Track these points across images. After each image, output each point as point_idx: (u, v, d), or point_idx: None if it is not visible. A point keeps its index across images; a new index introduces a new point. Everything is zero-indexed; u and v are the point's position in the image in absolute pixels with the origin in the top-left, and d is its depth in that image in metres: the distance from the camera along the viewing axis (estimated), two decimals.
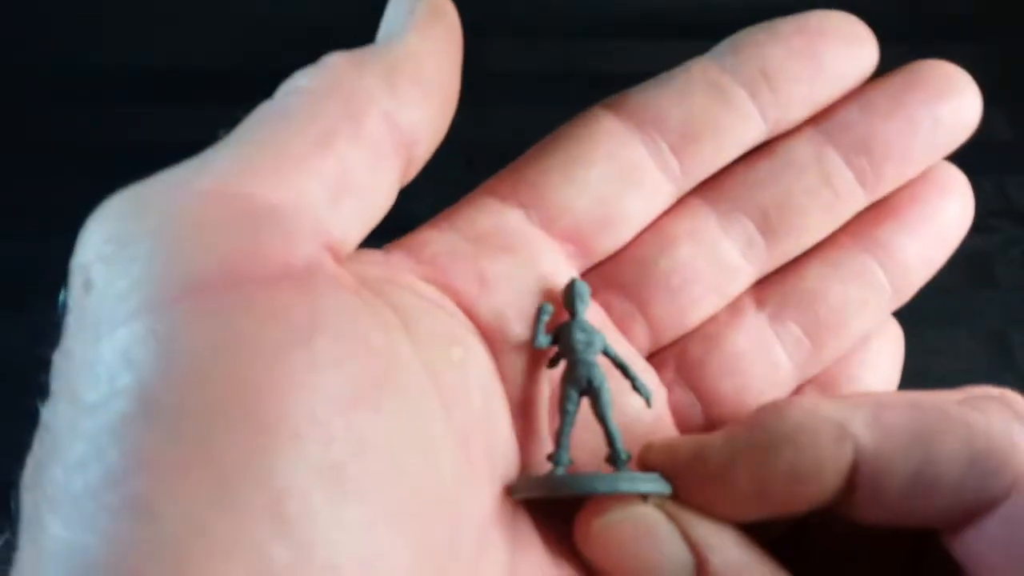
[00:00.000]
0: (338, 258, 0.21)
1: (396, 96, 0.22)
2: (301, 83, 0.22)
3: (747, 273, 0.26)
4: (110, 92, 0.41)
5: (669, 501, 0.22)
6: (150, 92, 0.44)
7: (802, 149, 0.26)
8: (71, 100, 0.41)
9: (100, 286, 0.18)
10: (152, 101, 0.44)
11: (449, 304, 0.23)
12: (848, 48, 0.27)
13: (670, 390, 0.26)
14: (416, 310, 0.22)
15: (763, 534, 0.22)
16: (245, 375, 0.17)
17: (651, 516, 0.22)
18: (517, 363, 0.24)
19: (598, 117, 0.26)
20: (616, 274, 0.26)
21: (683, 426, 0.26)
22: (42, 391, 0.18)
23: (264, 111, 0.21)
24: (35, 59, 0.41)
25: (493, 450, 0.22)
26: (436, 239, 0.24)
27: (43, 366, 0.18)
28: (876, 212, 0.27)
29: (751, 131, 0.26)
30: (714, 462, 0.22)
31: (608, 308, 0.26)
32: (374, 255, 0.24)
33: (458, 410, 0.21)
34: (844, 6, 0.26)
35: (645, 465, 0.23)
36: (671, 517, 0.22)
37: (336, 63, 0.22)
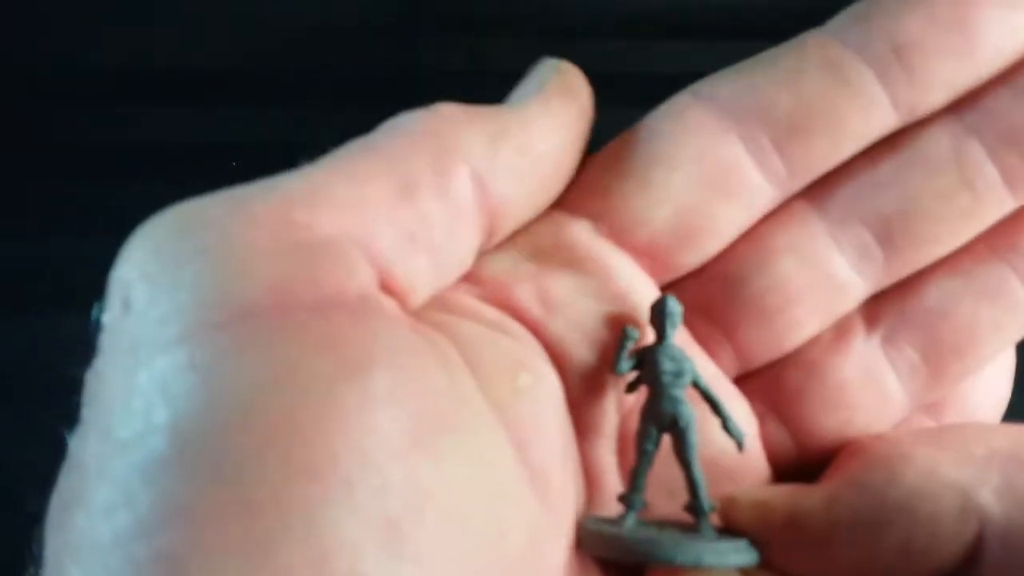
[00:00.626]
0: (401, 304, 0.19)
1: (494, 161, 0.20)
2: (402, 122, 0.20)
3: (860, 289, 0.22)
4: (110, 91, 0.41)
5: (757, 569, 0.19)
6: (150, 92, 0.44)
7: (938, 142, 0.22)
8: (70, 99, 0.41)
9: (141, 307, 0.16)
10: (152, 101, 0.44)
11: (514, 326, 0.21)
12: (1006, 15, 0.21)
13: (761, 421, 0.23)
14: (477, 339, 0.20)
15: None
16: (292, 412, 0.15)
17: None
18: (584, 391, 0.21)
19: (685, 108, 0.22)
20: (700, 293, 0.23)
21: (774, 462, 0.22)
22: (69, 415, 0.17)
23: (354, 144, 0.20)
24: (34, 58, 0.41)
25: (572, 486, 0.20)
26: (493, 258, 0.22)
27: (55, 379, 0.17)
28: (1020, 215, 0.22)
29: (877, 121, 0.22)
30: (812, 530, 0.19)
31: (689, 329, 0.23)
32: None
33: (533, 446, 0.19)
34: None
35: (729, 522, 0.20)
36: None
37: (444, 111, 0.21)
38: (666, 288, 0.23)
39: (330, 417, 0.15)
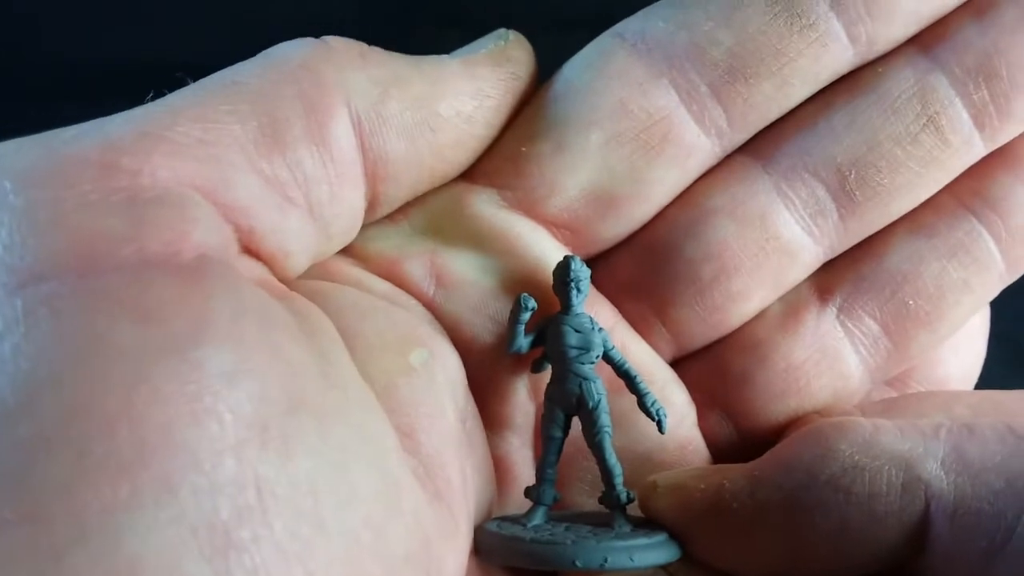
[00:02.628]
0: (271, 269, 0.17)
1: (382, 111, 0.18)
2: (277, 51, 0.18)
3: (812, 254, 0.20)
4: (109, 91, 0.41)
5: (680, 563, 0.18)
6: (150, 91, 0.44)
7: (899, 78, 0.20)
8: (70, 99, 0.40)
9: None
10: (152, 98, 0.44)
11: (408, 299, 0.19)
12: None
13: (701, 412, 0.21)
14: (362, 310, 0.18)
15: None
16: (92, 395, 0.12)
17: None
18: (489, 377, 0.19)
19: (607, 53, 0.20)
20: (625, 266, 0.20)
21: (719, 452, 0.21)
22: None
23: (213, 77, 0.17)
24: (33, 58, 0.41)
25: (475, 481, 0.18)
26: (381, 231, 0.20)
27: None
28: (988, 161, 0.20)
29: (831, 59, 0.19)
30: (736, 516, 0.17)
31: (618, 306, 0.21)
32: None
33: (424, 433, 0.17)
34: None
35: (649, 511, 0.18)
36: None
37: (333, 44, 0.18)
38: (590, 263, 0.20)
39: (142, 401, 0.13)
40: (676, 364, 0.21)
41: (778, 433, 0.20)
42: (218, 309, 0.14)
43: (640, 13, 0.20)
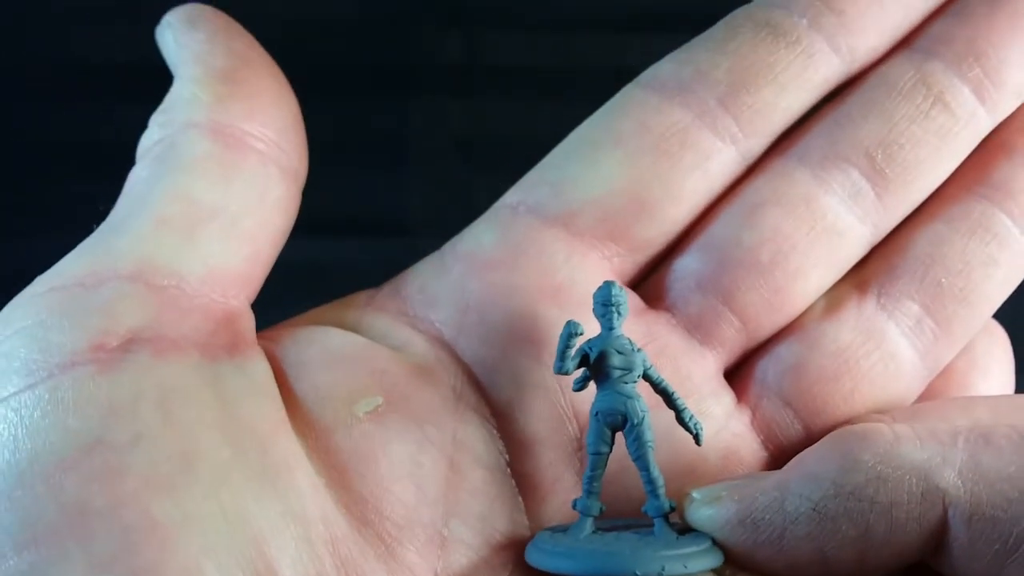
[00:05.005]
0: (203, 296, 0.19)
1: (218, 102, 0.21)
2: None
3: (859, 233, 0.21)
4: (108, 90, 0.41)
5: (726, 564, 0.18)
6: (150, 90, 0.44)
7: (900, 70, 0.22)
8: (68, 98, 0.40)
9: None
10: (151, 99, 0.44)
11: (377, 351, 0.21)
12: None
13: (756, 408, 0.21)
14: (322, 360, 0.20)
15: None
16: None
17: None
18: (517, 393, 0.20)
19: (626, 94, 0.23)
20: (690, 265, 0.22)
21: (784, 446, 0.21)
22: None
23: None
24: (32, 57, 0.41)
25: (460, 504, 0.19)
26: (422, 270, 0.22)
27: None
28: (985, 151, 0.22)
29: (820, 66, 0.22)
30: (769, 526, 0.18)
31: (684, 308, 0.21)
32: (357, 298, 0.22)
33: (355, 472, 0.19)
34: None
35: (689, 521, 0.19)
36: None
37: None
38: (656, 270, 0.22)
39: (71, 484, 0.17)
40: (742, 363, 0.22)
41: (839, 419, 0.21)
42: (121, 395, 0.18)
43: (653, 66, 0.23)
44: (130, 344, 0.18)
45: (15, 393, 0.17)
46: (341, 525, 0.18)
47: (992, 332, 0.23)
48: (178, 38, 0.22)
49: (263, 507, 0.18)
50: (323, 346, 0.20)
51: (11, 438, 0.17)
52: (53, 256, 0.20)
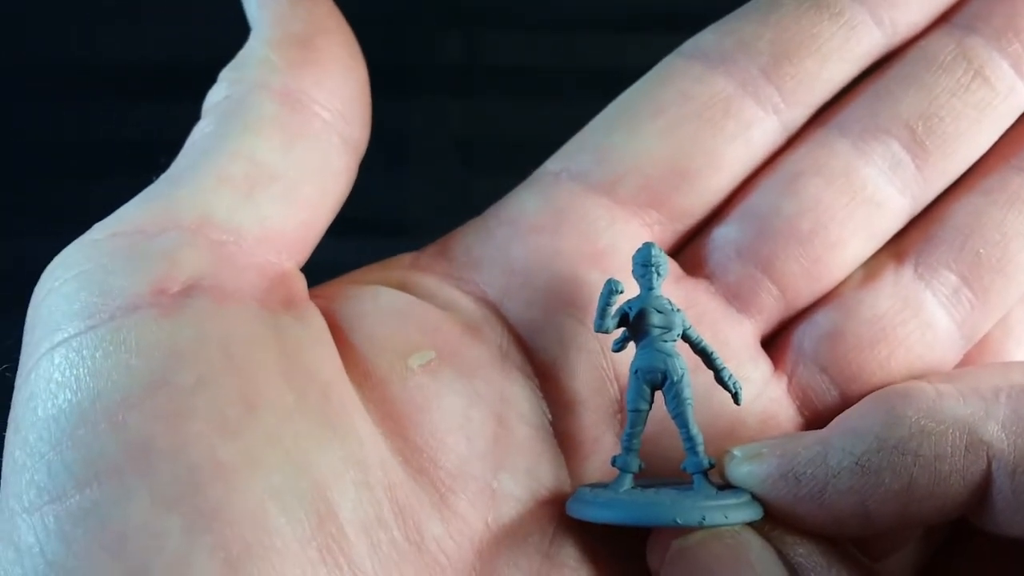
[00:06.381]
0: (258, 256, 0.20)
1: (290, 67, 0.21)
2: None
3: (898, 204, 0.22)
4: (106, 89, 0.41)
5: (764, 522, 0.19)
6: (149, 89, 0.44)
7: (940, 44, 0.22)
8: (67, 98, 0.41)
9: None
10: (150, 98, 0.44)
11: (427, 308, 0.21)
12: None
13: (793, 375, 0.22)
14: (377, 315, 0.20)
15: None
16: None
17: (741, 537, 0.18)
18: (561, 353, 0.21)
19: (667, 64, 0.23)
20: (730, 235, 0.22)
21: (822, 412, 0.21)
22: None
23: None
24: (32, 57, 0.41)
25: (507, 463, 0.20)
26: (466, 233, 0.23)
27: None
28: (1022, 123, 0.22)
29: (862, 39, 0.22)
30: (812, 480, 0.18)
31: (723, 276, 0.22)
32: (401, 260, 0.23)
33: (410, 421, 0.19)
34: None
35: (728, 478, 0.19)
36: (763, 536, 0.18)
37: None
38: (695, 238, 0.22)
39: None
40: (779, 331, 0.22)
41: (875, 388, 0.21)
42: (184, 339, 0.18)
43: (694, 36, 0.23)
44: (191, 290, 0.18)
45: (76, 335, 0.18)
46: (398, 472, 0.19)
47: None
48: None
49: (325, 452, 0.18)
50: (375, 302, 0.21)
51: (72, 377, 0.17)
52: (53, 256, 0.20)
